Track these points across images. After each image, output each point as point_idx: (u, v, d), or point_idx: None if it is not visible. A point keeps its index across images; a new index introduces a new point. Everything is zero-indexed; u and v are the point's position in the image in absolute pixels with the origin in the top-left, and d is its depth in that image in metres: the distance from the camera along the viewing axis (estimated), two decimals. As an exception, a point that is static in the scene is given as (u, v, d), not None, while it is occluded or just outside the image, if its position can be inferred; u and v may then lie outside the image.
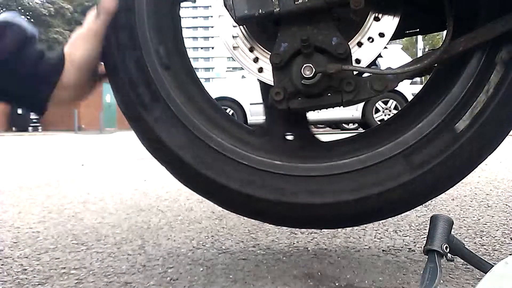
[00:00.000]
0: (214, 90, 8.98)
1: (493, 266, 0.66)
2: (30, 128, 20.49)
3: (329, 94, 0.87)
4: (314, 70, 0.82)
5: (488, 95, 0.86)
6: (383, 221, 1.43)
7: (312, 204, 0.89)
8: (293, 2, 0.81)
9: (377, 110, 8.84)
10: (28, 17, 32.47)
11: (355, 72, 0.87)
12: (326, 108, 0.90)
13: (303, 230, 1.35)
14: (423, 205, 1.59)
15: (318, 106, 0.88)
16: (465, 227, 1.37)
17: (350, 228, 1.36)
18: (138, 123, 0.93)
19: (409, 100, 1.35)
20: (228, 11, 0.88)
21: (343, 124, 10.87)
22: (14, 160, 4.76)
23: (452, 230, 0.80)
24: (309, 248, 1.18)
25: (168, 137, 0.91)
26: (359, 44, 0.88)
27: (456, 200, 1.80)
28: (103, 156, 5.04)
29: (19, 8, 31.56)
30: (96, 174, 3.13)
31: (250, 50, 0.94)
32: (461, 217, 1.50)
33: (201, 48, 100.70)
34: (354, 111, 8.81)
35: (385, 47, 0.90)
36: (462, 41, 0.85)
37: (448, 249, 0.76)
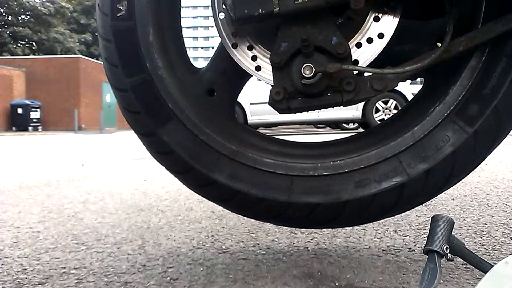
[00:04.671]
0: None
1: (493, 266, 0.66)
2: (30, 128, 20.48)
3: (329, 94, 0.87)
4: (314, 69, 0.82)
5: None
6: (383, 221, 1.43)
7: None
8: (293, 2, 0.81)
9: (377, 110, 8.84)
10: (28, 16, 32.48)
11: (355, 72, 0.87)
12: (326, 108, 0.90)
13: (303, 230, 1.35)
14: (423, 205, 1.60)
15: (318, 105, 0.88)
16: (465, 227, 1.37)
17: (350, 228, 1.36)
18: None
19: (409, 100, 1.35)
20: (227, 10, 0.88)
21: (343, 124, 10.86)
22: (14, 160, 4.76)
23: (453, 230, 0.80)
24: (309, 248, 1.18)
25: None
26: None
27: (456, 200, 1.80)
28: (103, 156, 5.04)
29: (19, 7, 31.56)
30: (96, 174, 3.13)
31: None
32: (461, 217, 1.50)
33: (201, 48, 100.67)
34: (354, 111, 8.80)
35: None
36: (462, 40, 0.85)
37: (448, 250, 0.76)
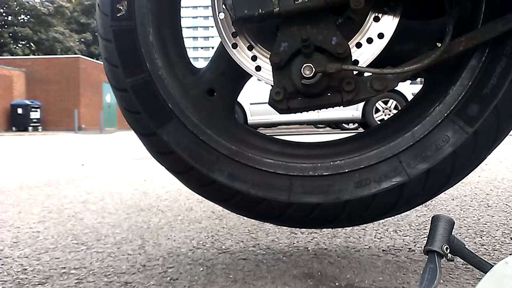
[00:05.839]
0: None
1: (493, 266, 0.66)
2: (30, 128, 20.48)
3: (329, 94, 0.87)
4: (314, 69, 0.82)
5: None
6: (383, 221, 1.43)
7: None
8: (293, 2, 0.81)
9: (377, 110, 8.85)
10: (28, 16, 32.45)
11: (355, 72, 0.87)
12: (326, 108, 0.90)
13: (303, 230, 1.35)
14: (423, 205, 1.60)
15: (318, 106, 0.88)
16: (465, 227, 1.37)
17: (350, 228, 1.36)
18: None
19: (409, 100, 1.34)
20: (227, 10, 0.88)
21: (343, 124, 10.86)
22: (14, 160, 4.76)
23: (453, 230, 0.80)
24: (309, 248, 1.18)
25: None
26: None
27: (456, 200, 1.80)
28: (103, 156, 5.04)
29: (19, 7, 31.54)
30: (96, 174, 3.13)
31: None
32: (461, 217, 1.50)
33: (201, 48, 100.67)
34: (354, 111, 8.81)
35: None
36: (462, 41, 0.85)
37: (448, 250, 0.76)
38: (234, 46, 0.93)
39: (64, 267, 1.08)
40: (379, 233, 1.31)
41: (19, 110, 20.71)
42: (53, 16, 32.48)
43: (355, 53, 0.88)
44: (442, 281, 0.91)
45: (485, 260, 0.82)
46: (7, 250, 1.24)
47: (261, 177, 0.93)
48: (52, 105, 22.45)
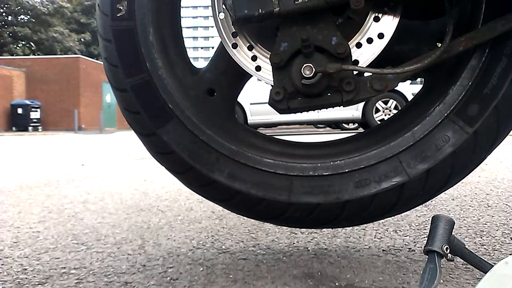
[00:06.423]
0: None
1: (493, 266, 0.66)
2: (30, 128, 20.48)
3: (329, 94, 0.87)
4: (314, 69, 0.82)
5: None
6: (383, 221, 1.43)
7: None
8: (293, 2, 0.81)
9: (377, 110, 8.85)
10: (28, 16, 32.44)
11: (355, 72, 0.87)
12: (326, 108, 0.90)
13: (303, 230, 1.35)
14: (423, 205, 1.60)
15: (318, 106, 0.88)
16: (465, 227, 1.37)
17: (350, 228, 1.36)
18: None
19: (409, 100, 1.34)
20: (227, 10, 0.88)
21: (343, 124, 10.87)
22: (14, 160, 4.76)
23: (453, 230, 0.80)
24: (309, 248, 1.18)
25: None
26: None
27: (456, 200, 1.80)
28: (103, 156, 5.04)
29: (19, 7, 31.53)
30: (96, 174, 3.13)
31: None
32: (461, 217, 1.50)
33: (201, 48, 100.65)
34: (354, 111, 8.81)
35: None
36: (462, 40, 0.85)
37: (448, 250, 0.76)
38: (234, 46, 0.93)
39: (64, 267, 1.08)
40: (379, 233, 1.31)
41: (19, 110, 20.71)
42: (53, 16, 32.45)
43: (355, 53, 0.88)
44: (442, 281, 0.91)
45: (485, 260, 0.82)
46: (7, 250, 1.24)
47: (261, 177, 0.93)
48: (52, 105, 22.45)
